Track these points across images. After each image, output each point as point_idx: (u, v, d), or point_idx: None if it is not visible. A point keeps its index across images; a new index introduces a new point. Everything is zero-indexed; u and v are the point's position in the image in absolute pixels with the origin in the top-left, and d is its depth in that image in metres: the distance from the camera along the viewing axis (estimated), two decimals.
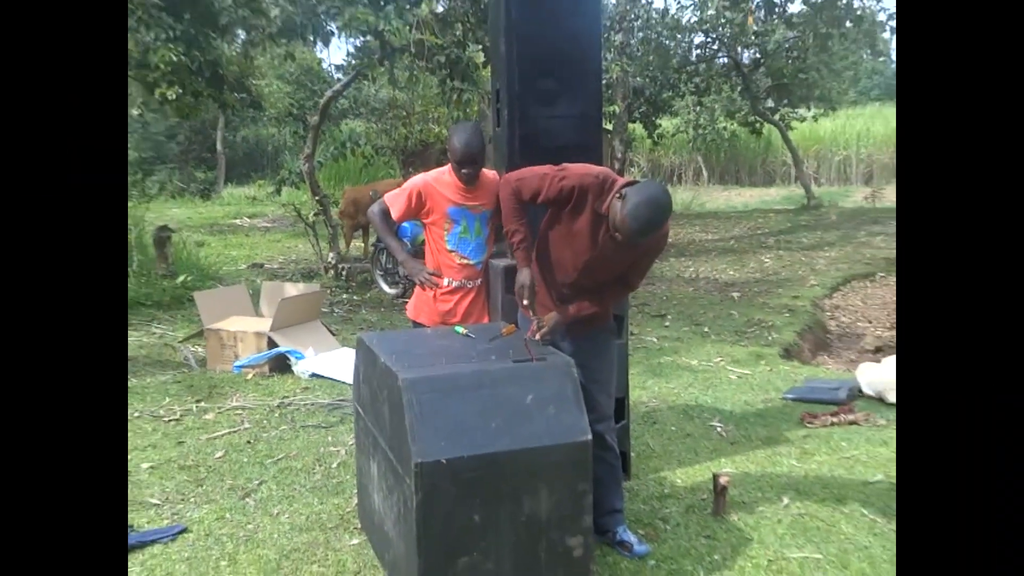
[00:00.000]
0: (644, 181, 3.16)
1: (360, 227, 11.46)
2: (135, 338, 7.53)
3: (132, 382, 6.15)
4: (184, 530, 3.78)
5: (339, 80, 14.45)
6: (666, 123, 18.37)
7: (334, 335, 7.01)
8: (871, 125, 25.05)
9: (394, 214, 4.08)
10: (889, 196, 18.48)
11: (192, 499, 4.13)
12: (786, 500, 3.96)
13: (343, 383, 5.94)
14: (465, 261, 4.07)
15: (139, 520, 3.89)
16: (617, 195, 3.11)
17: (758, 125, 17.78)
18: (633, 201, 3.03)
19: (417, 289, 4.23)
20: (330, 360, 6.32)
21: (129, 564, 3.48)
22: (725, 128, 19.36)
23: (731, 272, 10.78)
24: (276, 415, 5.39)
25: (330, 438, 4.95)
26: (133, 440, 4.94)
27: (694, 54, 16.16)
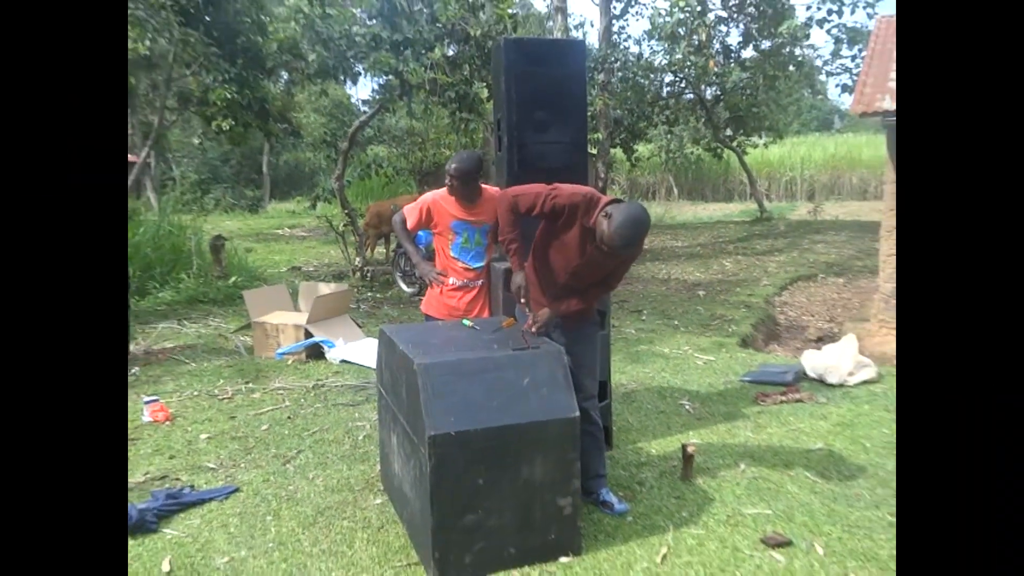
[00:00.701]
0: (626, 202, 3.14)
1: (382, 236, 11.44)
2: (194, 329, 7.51)
3: (192, 366, 6.14)
4: (236, 490, 3.78)
5: (365, 112, 14.42)
6: (642, 148, 18.33)
7: (360, 327, 6.99)
8: (812, 151, 25.16)
9: (408, 224, 4.09)
10: (828, 211, 18.46)
11: (242, 464, 4.12)
12: (743, 466, 3.95)
13: (368, 368, 5.93)
14: (466, 266, 4.07)
15: (198, 481, 3.89)
16: (603, 213, 3.09)
17: (719, 150, 17.77)
18: (618, 220, 3.03)
19: (429, 288, 4.23)
20: (357, 348, 6.31)
21: (190, 518, 3.48)
22: (692, 152, 19.34)
23: (697, 274, 10.76)
24: (312, 395, 5.37)
25: (357, 414, 4.94)
26: (193, 415, 4.93)
27: (665, 91, 16.14)
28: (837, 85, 23.84)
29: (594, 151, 13.41)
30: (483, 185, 4.06)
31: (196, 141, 24.27)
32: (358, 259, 10.96)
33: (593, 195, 3.22)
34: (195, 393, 5.40)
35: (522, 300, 3.38)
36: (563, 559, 3.02)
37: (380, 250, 12.25)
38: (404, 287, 9.66)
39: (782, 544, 3.12)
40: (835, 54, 15.15)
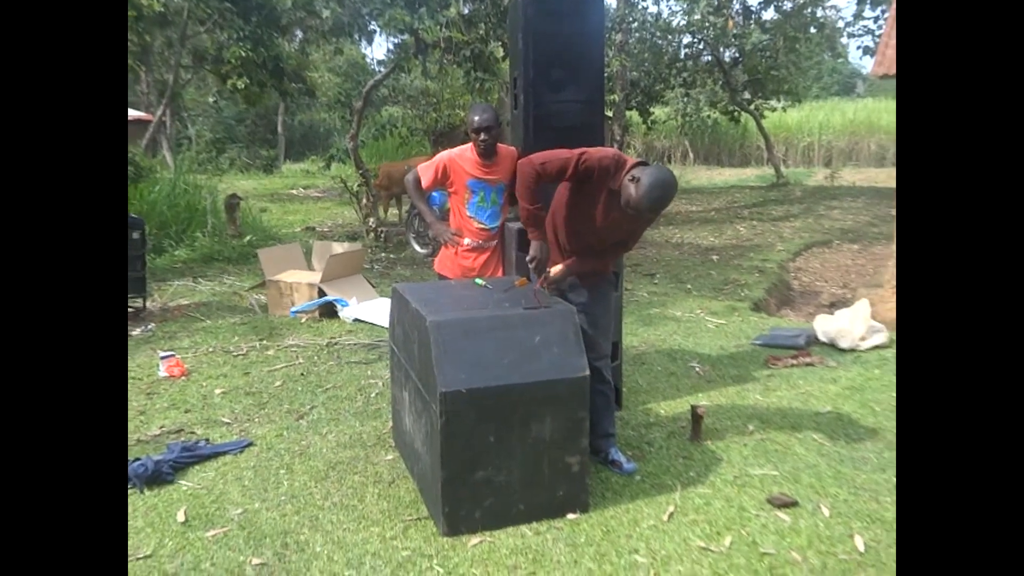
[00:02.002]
0: (653, 166, 3.11)
1: (394, 196, 11.42)
2: (209, 287, 7.56)
3: (207, 323, 6.19)
4: (250, 444, 3.83)
5: (380, 72, 14.29)
6: (658, 111, 18.09)
7: (373, 287, 7.01)
8: (831, 116, 24.70)
9: (423, 183, 4.05)
10: (845, 176, 18.22)
11: (256, 419, 4.17)
12: (751, 428, 3.95)
13: (380, 327, 5.95)
14: (482, 226, 4.05)
15: (213, 435, 3.94)
16: (630, 177, 3.06)
17: (736, 114, 17.51)
18: (646, 184, 3.00)
19: (443, 248, 4.21)
20: (370, 307, 6.33)
21: (205, 471, 3.53)
22: (708, 116, 19.06)
23: (711, 239, 10.69)
24: (325, 352, 5.41)
25: (369, 372, 4.98)
26: (208, 370, 4.98)
27: (683, 52, 15.87)
28: (859, 47, 23.31)
29: (610, 113, 13.26)
30: (499, 144, 4.02)
31: (211, 100, 24.20)
32: (371, 220, 10.95)
33: (620, 157, 3.19)
34: (210, 349, 5.45)
35: (533, 266, 3.36)
36: (571, 515, 3.05)
37: (394, 211, 12.22)
38: (418, 248, 9.65)
39: (788, 504, 3.13)
40: (857, 15, 14.82)
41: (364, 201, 11.23)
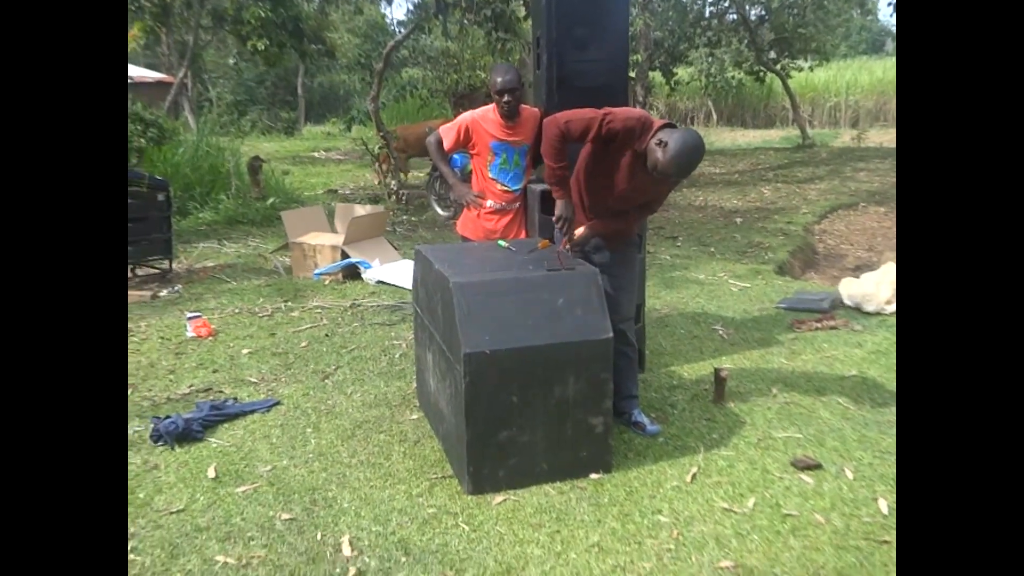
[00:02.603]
0: (680, 128, 3.06)
1: (409, 159, 11.44)
2: (234, 249, 7.62)
3: (232, 284, 6.24)
4: (277, 403, 3.88)
5: (400, 32, 14.15)
6: (682, 71, 17.78)
7: (396, 249, 7.02)
8: (858, 76, 24.08)
9: (445, 145, 4.03)
10: (872, 138, 17.88)
11: (283, 379, 4.23)
12: (775, 391, 3.94)
13: (404, 289, 5.98)
14: (505, 188, 4.03)
15: (241, 394, 4.00)
16: (656, 140, 3.02)
17: (762, 74, 17.16)
18: (674, 148, 2.96)
19: (465, 210, 4.20)
20: (393, 269, 6.35)
21: (233, 429, 3.59)
22: (733, 76, 18.72)
23: (735, 201, 10.57)
24: (348, 314, 5.45)
25: (393, 333, 5.01)
26: (235, 331, 5.04)
27: (708, 11, 15.56)
28: (889, 3, 22.68)
29: (633, 74, 13.06)
30: (522, 105, 3.98)
31: (231, 62, 24.11)
32: (393, 182, 10.94)
33: (647, 119, 3.14)
34: (236, 310, 5.51)
35: (559, 226, 3.34)
36: (593, 475, 3.07)
37: (415, 173, 12.19)
38: (439, 210, 9.64)
39: (812, 467, 3.13)
40: None
41: (385, 164, 11.21)
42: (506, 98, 3.83)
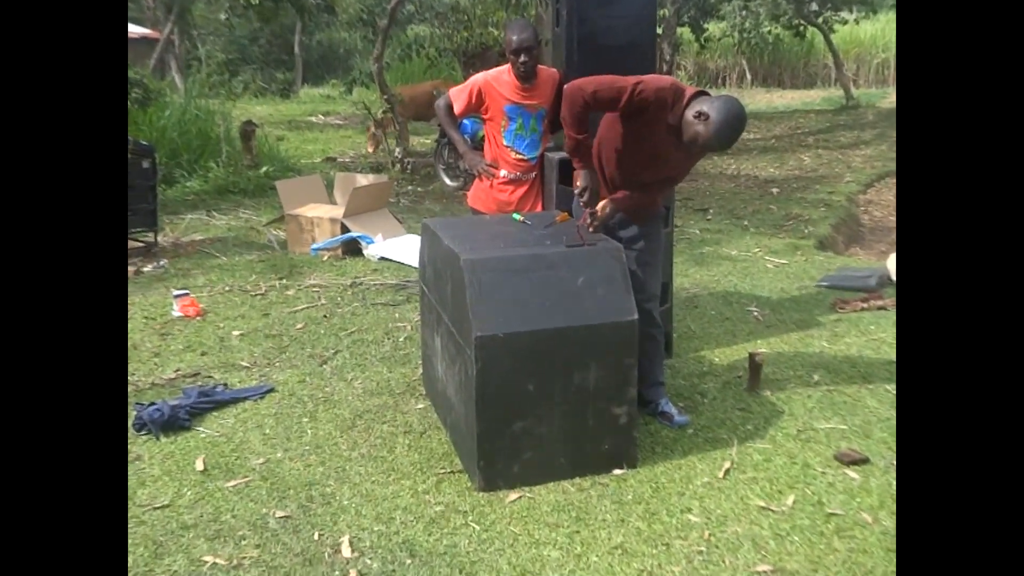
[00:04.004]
0: (718, 98, 3.02)
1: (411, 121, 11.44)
2: (224, 221, 7.61)
3: (222, 260, 6.23)
4: (271, 390, 3.87)
5: None
6: (713, 27, 17.56)
7: (400, 223, 6.99)
8: None
9: (456, 109, 3.99)
10: None
11: (277, 364, 4.21)
12: (816, 377, 3.89)
13: (409, 266, 5.95)
14: (520, 156, 3.98)
15: (232, 379, 3.99)
16: (696, 113, 2.97)
17: (801, 28, 16.89)
18: (718, 120, 2.93)
19: (476, 180, 4.16)
20: (397, 245, 6.32)
21: (224, 417, 3.58)
22: (769, 32, 18.48)
23: (771, 169, 10.45)
24: (349, 293, 5.43)
25: (397, 314, 4.99)
26: (225, 311, 5.03)
27: None
28: None
29: (659, 30, 12.89)
30: (539, 65, 3.92)
31: (223, 17, 23.99)
32: (398, 149, 10.89)
33: (678, 87, 3.11)
34: (227, 288, 5.50)
35: (583, 200, 3.29)
36: (617, 471, 3.04)
37: (423, 140, 12.13)
38: (447, 180, 9.59)
39: (858, 461, 3.09)
40: None
41: (389, 129, 11.15)
42: (522, 58, 3.76)
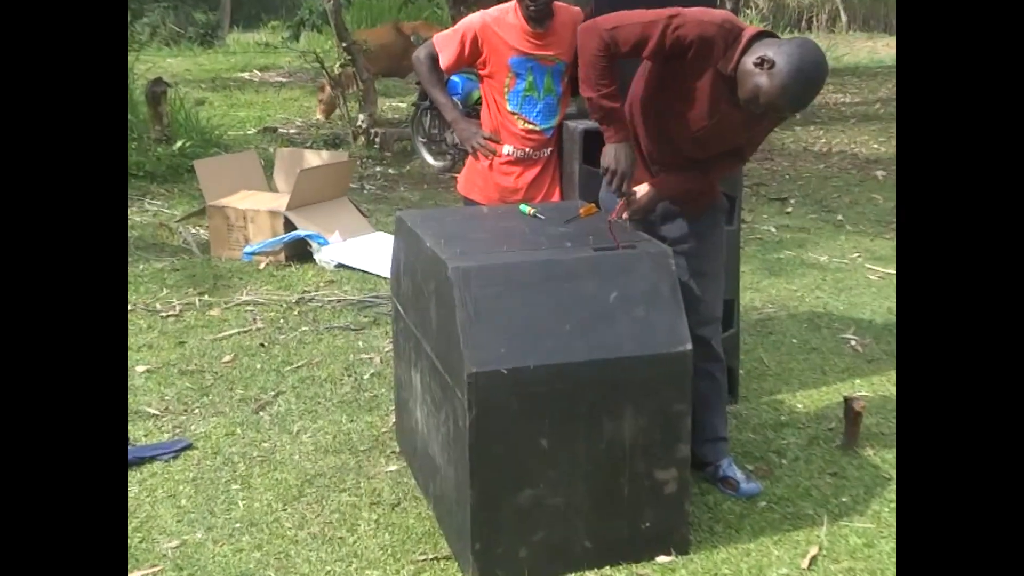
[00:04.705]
0: (791, 40, 3.04)
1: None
2: None
3: None
4: (189, 446, 3.89)
5: None
6: None
7: (365, 216, 7.03)
8: None
9: (443, 61, 4.02)
10: None
11: (196, 410, 4.24)
12: None
13: (377, 275, 5.98)
14: (530, 126, 4.02)
15: (135, 432, 4.02)
16: (757, 60, 2.98)
17: None
18: (786, 70, 2.92)
19: (470, 159, 4.19)
20: (361, 247, 6.36)
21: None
22: None
23: (875, 145, 10.50)
24: (295, 313, 5.46)
25: (361, 343, 5.02)
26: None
27: None
28: None
29: None
30: (557, 2, 3.96)
31: None
32: (362, 116, 10.96)
33: (733, 24, 3.11)
34: (128, 307, 5.53)
35: (614, 186, 3.31)
36: (662, 558, 3.06)
37: (396, 104, 12.21)
38: (430, 159, 9.65)
39: None
40: None
41: (349, 90, 11.22)
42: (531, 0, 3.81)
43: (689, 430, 3.04)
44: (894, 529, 3.23)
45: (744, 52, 3.03)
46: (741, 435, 3.90)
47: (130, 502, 3.49)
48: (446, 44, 4.01)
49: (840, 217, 7.54)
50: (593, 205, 3.53)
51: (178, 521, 3.37)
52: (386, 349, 4.78)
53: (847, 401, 3.82)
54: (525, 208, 3.60)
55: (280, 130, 11.72)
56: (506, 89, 3.99)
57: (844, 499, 3.44)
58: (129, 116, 9.67)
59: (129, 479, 3.64)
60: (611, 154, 3.26)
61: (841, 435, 3.83)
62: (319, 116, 11.78)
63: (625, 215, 3.30)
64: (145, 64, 14.48)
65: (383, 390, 4.39)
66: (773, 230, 7.15)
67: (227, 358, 4.81)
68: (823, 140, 10.82)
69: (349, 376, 4.59)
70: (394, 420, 3.99)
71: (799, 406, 4.21)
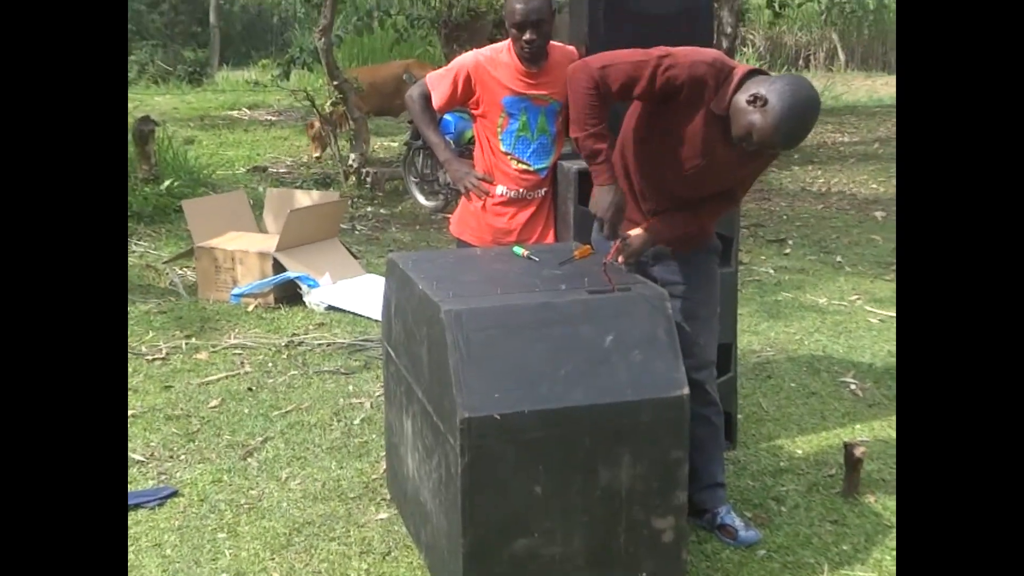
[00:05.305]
0: (780, 78, 3.07)
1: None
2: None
3: None
4: (174, 493, 3.88)
5: None
6: None
7: (356, 258, 7.05)
8: None
9: (435, 100, 4.05)
10: None
11: (182, 456, 4.23)
12: None
13: (368, 318, 5.99)
14: (524, 167, 4.03)
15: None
16: (750, 98, 3.01)
17: None
18: (780, 108, 2.95)
19: (463, 200, 4.21)
20: (351, 289, 6.37)
21: None
22: None
23: (874, 185, 10.55)
24: (284, 357, 5.46)
25: (351, 387, 5.02)
26: None
27: None
28: None
29: None
30: (551, 42, 3.99)
31: None
32: (353, 156, 11.00)
33: (723, 64, 3.14)
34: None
35: (606, 229, 3.33)
36: None
37: (388, 143, 12.25)
38: (422, 199, 9.68)
39: None
40: None
41: (341, 129, 11.28)
42: (528, 34, 3.83)
43: (687, 477, 3.03)
44: None
45: (736, 90, 3.07)
46: (739, 481, 3.89)
47: None
48: (439, 83, 4.03)
49: (839, 258, 7.56)
50: (588, 247, 3.54)
51: (163, 571, 3.35)
52: (377, 394, 4.78)
53: (847, 447, 3.82)
54: (519, 250, 3.61)
55: (270, 169, 11.76)
56: (499, 129, 4.01)
57: (845, 547, 3.43)
58: None
59: None
60: (601, 199, 3.27)
61: (841, 481, 3.83)
62: (314, 154, 11.79)
63: (621, 259, 3.31)
64: (133, 102, 14.56)
65: (373, 436, 4.39)
66: (771, 272, 7.17)
67: (214, 403, 4.81)
68: (821, 180, 10.88)
69: (339, 421, 4.59)
70: (385, 466, 3.98)
71: (798, 452, 4.21)
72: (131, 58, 22.49)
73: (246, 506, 3.79)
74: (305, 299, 6.37)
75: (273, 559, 3.42)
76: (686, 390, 2.98)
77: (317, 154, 11.64)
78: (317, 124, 11.48)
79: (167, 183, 9.43)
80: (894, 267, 7.26)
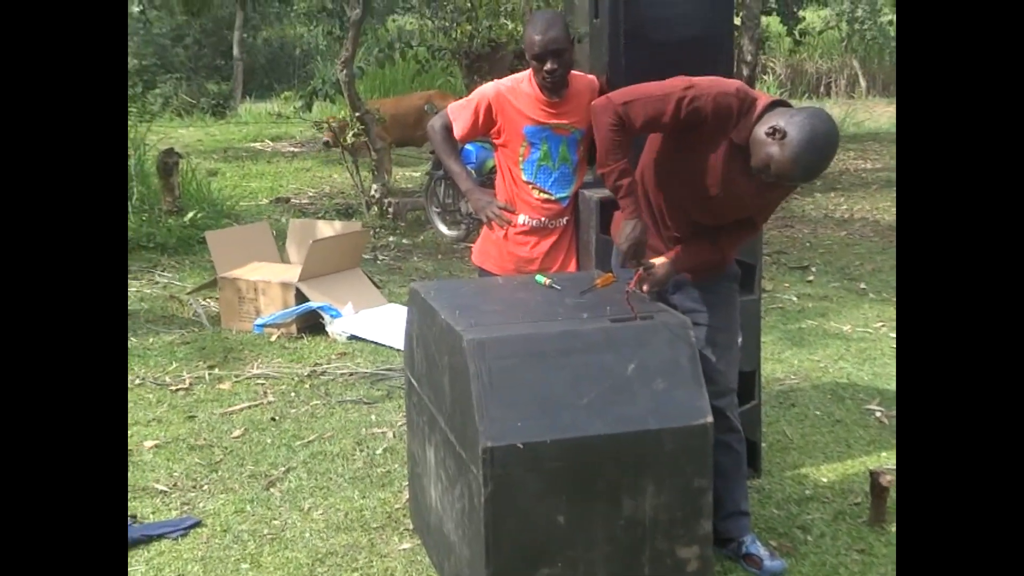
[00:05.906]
0: (800, 111, 3.08)
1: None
2: (135, 288, 7.70)
3: (132, 342, 6.30)
4: (197, 524, 3.89)
5: None
6: (811, 15, 17.89)
7: (378, 287, 7.06)
8: None
9: (456, 131, 4.06)
10: None
11: (205, 486, 4.24)
12: None
13: (390, 347, 6.00)
14: (546, 196, 4.04)
15: (143, 510, 4.01)
16: (769, 130, 3.03)
17: None
18: (799, 141, 2.97)
19: (484, 229, 4.21)
20: (374, 319, 6.38)
21: (133, 561, 3.60)
22: (891, 22, 18.80)
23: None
24: (306, 386, 5.47)
25: (373, 416, 5.02)
26: (134, 413, 5.08)
27: None
28: None
29: (737, 20, 13.15)
30: (572, 71, 4.01)
31: (135, 10, 24.67)
32: (375, 186, 11.05)
33: (746, 95, 3.16)
34: (137, 381, 5.56)
35: (628, 258, 3.34)
36: None
37: (410, 173, 12.29)
38: (444, 229, 9.70)
39: None
40: None
41: (362, 156, 11.34)
42: (549, 64, 3.84)
43: (711, 506, 3.02)
44: None
45: (757, 121, 3.08)
46: (764, 510, 3.87)
47: None
48: (460, 113, 4.05)
49: (863, 285, 7.54)
50: (610, 275, 3.54)
51: None
52: (399, 423, 4.78)
53: (873, 475, 3.80)
54: (541, 278, 3.62)
55: (292, 200, 11.82)
56: (521, 158, 4.03)
57: None
58: (140, 187, 9.78)
59: (136, 558, 3.63)
60: (628, 231, 3.29)
61: (868, 510, 3.81)
62: (326, 136, 11.67)
63: (645, 287, 3.32)
64: (157, 135, 14.69)
65: (396, 465, 4.39)
66: (795, 299, 7.15)
67: (237, 433, 4.82)
68: (844, 207, 10.85)
69: (361, 451, 4.59)
70: (407, 496, 3.97)
71: (824, 480, 4.18)
72: (155, 91, 22.66)
73: (269, 536, 3.79)
74: (328, 329, 6.39)
75: None
76: (710, 418, 2.98)
77: (329, 138, 11.50)
78: (329, 125, 11.45)
79: (191, 215, 9.49)
80: None
